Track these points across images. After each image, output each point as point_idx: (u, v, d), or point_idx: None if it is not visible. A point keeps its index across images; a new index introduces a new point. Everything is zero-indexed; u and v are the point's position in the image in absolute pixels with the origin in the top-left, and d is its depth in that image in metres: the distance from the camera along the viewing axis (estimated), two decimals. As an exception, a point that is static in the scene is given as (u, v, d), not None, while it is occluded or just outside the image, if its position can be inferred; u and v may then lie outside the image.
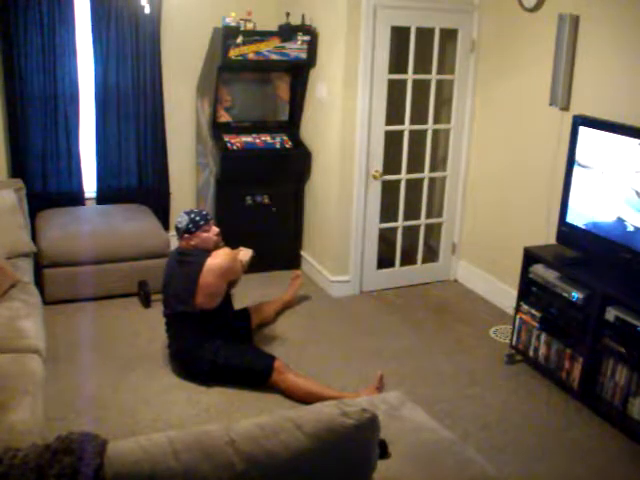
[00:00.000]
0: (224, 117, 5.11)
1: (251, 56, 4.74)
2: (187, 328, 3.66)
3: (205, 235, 3.70)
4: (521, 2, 4.28)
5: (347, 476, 1.76)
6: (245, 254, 3.95)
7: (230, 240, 4.01)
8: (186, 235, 3.68)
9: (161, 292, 3.84)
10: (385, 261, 5.06)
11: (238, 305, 4.09)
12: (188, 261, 3.65)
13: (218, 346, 3.63)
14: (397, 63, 4.87)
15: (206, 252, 3.65)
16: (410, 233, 5.13)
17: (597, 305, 3.45)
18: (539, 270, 3.84)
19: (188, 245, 3.70)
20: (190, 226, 3.67)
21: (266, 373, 3.56)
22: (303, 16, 4.87)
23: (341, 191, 4.75)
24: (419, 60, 4.70)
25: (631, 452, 3.26)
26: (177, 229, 3.73)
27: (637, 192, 3.35)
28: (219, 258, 3.63)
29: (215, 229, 3.76)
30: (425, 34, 4.69)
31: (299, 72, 5.07)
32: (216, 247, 3.74)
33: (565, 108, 4.02)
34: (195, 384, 3.64)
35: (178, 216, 3.77)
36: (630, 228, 3.41)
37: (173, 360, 3.79)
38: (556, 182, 4.05)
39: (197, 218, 3.69)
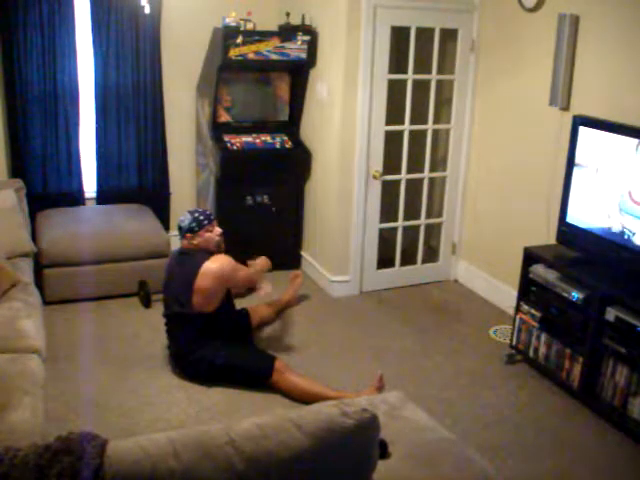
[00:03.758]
0: (224, 117, 5.11)
1: (251, 56, 4.74)
2: (186, 329, 3.66)
3: (208, 235, 3.69)
4: (521, 2, 4.28)
5: (347, 476, 1.76)
6: (257, 273, 3.99)
7: (230, 240, 4.00)
8: (188, 234, 3.67)
9: (162, 292, 3.84)
10: (385, 261, 5.05)
11: (238, 305, 4.09)
12: (187, 262, 3.65)
13: (218, 347, 3.62)
14: (397, 63, 4.87)
15: (206, 254, 3.65)
16: (410, 233, 5.13)
17: (597, 305, 3.44)
18: (539, 270, 3.84)
19: (190, 245, 3.69)
20: (193, 225, 3.66)
21: (266, 373, 3.56)
22: (303, 16, 4.87)
23: (341, 191, 4.75)
24: (419, 60, 4.70)
25: (631, 452, 3.26)
26: (180, 228, 3.71)
27: (631, 195, 3.35)
28: (217, 262, 3.61)
29: (218, 230, 3.75)
30: (425, 34, 4.69)
31: (299, 72, 5.07)
32: (218, 248, 3.74)
33: (565, 108, 4.02)
34: (195, 384, 3.64)
35: (181, 215, 3.77)
36: (628, 234, 3.41)
37: (173, 360, 3.78)
38: (556, 182, 4.05)
39: (201, 217, 3.68)
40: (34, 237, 4.51)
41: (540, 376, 3.89)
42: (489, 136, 4.80)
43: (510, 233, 4.61)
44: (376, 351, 4.13)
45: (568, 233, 3.81)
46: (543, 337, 3.83)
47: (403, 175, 4.91)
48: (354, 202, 4.77)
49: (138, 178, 5.24)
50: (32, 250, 4.33)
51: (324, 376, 3.72)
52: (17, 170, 4.86)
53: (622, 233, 3.46)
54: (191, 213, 3.71)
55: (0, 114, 4.80)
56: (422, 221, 5.10)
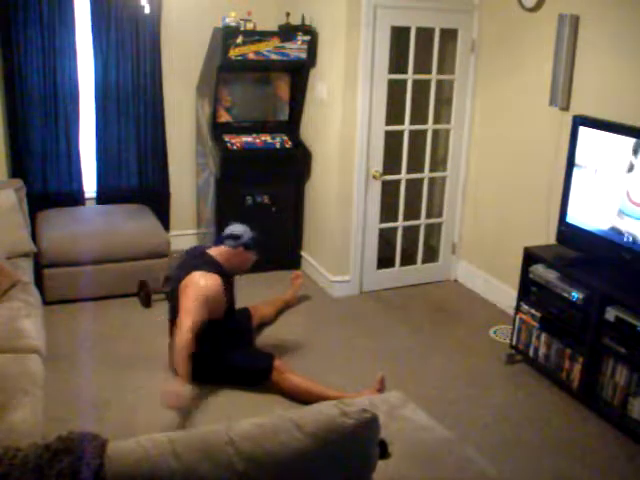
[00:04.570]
0: (224, 117, 5.11)
1: (251, 56, 4.74)
2: None
3: (251, 257, 3.74)
4: (521, 2, 4.28)
5: (347, 476, 1.76)
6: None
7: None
8: (241, 248, 3.67)
9: (166, 297, 3.82)
10: (385, 261, 5.05)
11: (239, 305, 4.09)
12: (199, 263, 3.59)
13: (218, 350, 3.61)
14: (397, 63, 4.87)
15: (214, 268, 3.58)
16: (410, 233, 5.13)
17: (597, 305, 3.45)
18: (539, 270, 3.84)
19: (227, 257, 3.65)
20: (250, 243, 3.70)
21: (266, 372, 3.55)
22: (303, 16, 4.87)
23: (341, 191, 4.75)
24: (419, 60, 4.70)
25: (631, 452, 3.26)
26: (236, 237, 3.68)
27: (629, 196, 3.35)
28: (206, 280, 3.49)
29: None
30: (425, 34, 4.69)
31: (299, 72, 5.07)
32: (246, 271, 3.79)
33: (565, 108, 4.02)
34: (195, 384, 3.63)
35: (239, 226, 3.75)
36: (627, 234, 3.41)
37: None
38: (556, 182, 4.04)
39: (256, 239, 3.73)
40: (34, 237, 4.51)
41: (540, 376, 3.89)
42: (489, 136, 4.80)
43: (510, 233, 4.61)
44: (376, 351, 4.13)
45: (568, 233, 3.81)
46: (543, 337, 3.83)
47: (403, 175, 4.91)
48: (354, 202, 4.77)
49: (138, 178, 5.24)
50: (32, 250, 4.33)
51: (324, 376, 3.72)
52: (17, 170, 4.87)
53: (621, 233, 3.46)
54: (250, 230, 3.74)
55: (0, 114, 4.80)
56: (422, 221, 5.10)
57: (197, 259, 3.65)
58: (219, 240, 3.73)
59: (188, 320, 3.36)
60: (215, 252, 3.69)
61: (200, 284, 3.47)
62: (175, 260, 3.93)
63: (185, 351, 3.29)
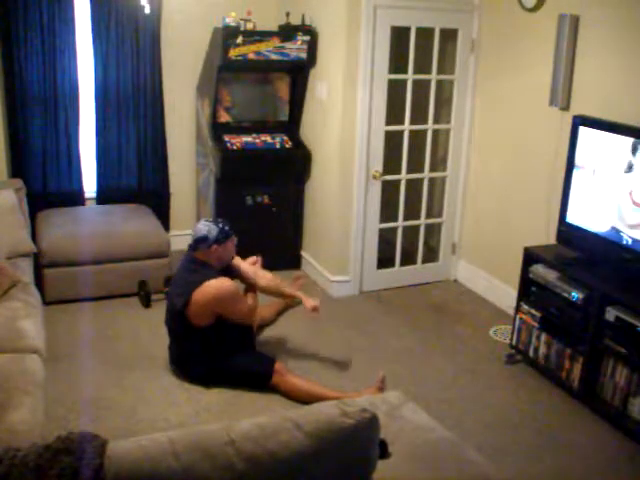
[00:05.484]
0: (224, 117, 5.11)
1: (251, 56, 4.74)
2: (186, 337, 3.64)
3: (231, 245, 3.62)
4: (521, 2, 4.28)
5: (347, 476, 1.76)
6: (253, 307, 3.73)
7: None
8: (215, 245, 3.53)
9: (166, 298, 3.81)
10: (385, 261, 5.05)
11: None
12: (199, 271, 3.55)
13: (218, 352, 3.61)
14: (397, 63, 4.87)
15: (217, 273, 3.56)
16: (410, 233, 5.13)
17: (597, 305, 3.45)
18: (539, 270, 3.84)
19: (210, 257, 3.55)
20: (221, 236, 3.54)
21: (266, 376, 3.55)
22: (303, 16, 4.87)
23: (341, 191, 4.75)
24: (419, 60, 4.70)
25: (631, 452, 3.26)
26: (202, 240, 3.53)
27: (631, 196, 3.35)
28: (220, 283, 3.48)
29: (235, 240, 3.68)
30: (425, 34, 4.69)
31: (299, 72, 5.07)
32: (232, 258, 3.71)
33: (565, 108, 4.02)
34: (195, 384, 3.64)
35: (201, 226, 3.57)
36: (628, 234, 3.41)
37: (173, 362, 3.77)
38: (556, 182, 4.05)
39: (226, 228, 3.57)
40: (34, 237, 4.51)
41: (540, 376, 3.89)
42: (489, 136, 4.80)
43: (510, 233, 4.61)
44: (376, 351, 4.13)
45: (568, 233, 3.81)
46: (543, 337, 3.83)
47: (403, 175, 4.91)
48: (354, 202, 4.77)
49: (138, 178, 5.24)
50: (32, 250, 4.33)
51: (324, 376, 3.73)
52: (17, 170, 4.87)
53: (622, 233, 3.46)
54: (215, 223, 3.57)
55: (0, 114, 4.80)
56: (422, 221, 5.10)
57: (203, 268, 3.56)
58: (193, 247, 3.60)
59: (244, 308, 3.63)
60: (200, 257, 3.60)
61: (218, 284, 3.47)
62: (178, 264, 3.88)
63: (250, 308, 3.68)
